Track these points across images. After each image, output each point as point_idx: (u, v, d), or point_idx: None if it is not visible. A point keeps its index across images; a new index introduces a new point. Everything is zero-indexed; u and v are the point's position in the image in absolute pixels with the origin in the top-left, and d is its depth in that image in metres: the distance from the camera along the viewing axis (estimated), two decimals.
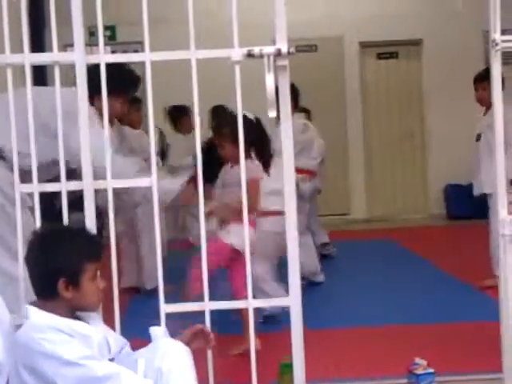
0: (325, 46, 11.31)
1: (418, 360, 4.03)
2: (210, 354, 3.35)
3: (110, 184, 3.40)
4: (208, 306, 3.40)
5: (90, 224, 3.32)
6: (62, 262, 2.83)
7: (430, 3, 10.99)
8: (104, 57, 3.39)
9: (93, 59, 3.40)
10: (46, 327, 2.74)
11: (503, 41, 3.49)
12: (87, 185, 3.35)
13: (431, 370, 3.97)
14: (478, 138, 6.30)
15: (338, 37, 11.24)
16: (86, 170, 3.34)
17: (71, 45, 3.32)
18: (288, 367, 3.56)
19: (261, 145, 4.78)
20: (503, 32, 3.52)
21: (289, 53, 3.32)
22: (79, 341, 2.75)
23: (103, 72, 3.37)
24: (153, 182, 3.42)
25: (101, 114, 3.53)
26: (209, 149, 5.29)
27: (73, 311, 2.86)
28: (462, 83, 10.50)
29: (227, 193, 4.64)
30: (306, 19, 10.43)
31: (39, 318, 2.79)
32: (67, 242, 2.89)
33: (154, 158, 3.47)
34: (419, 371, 3.96)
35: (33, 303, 2.89)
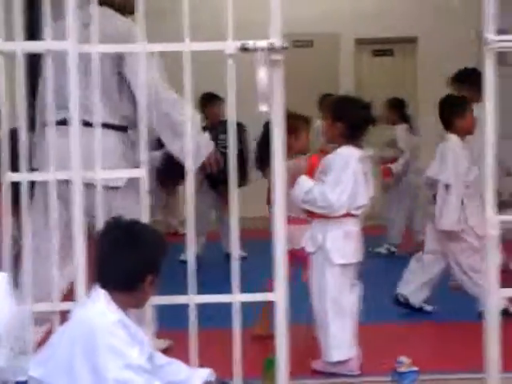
0: (321, 42, 11.29)
1: (401, 358, 4.04)
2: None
3: (99, 175, 3.40)
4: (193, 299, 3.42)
5: (79, 217, 3.31)
6: (155, 259, 2.90)
7: (426, 1, 10.98)
8: (97, 46, 3.38)
9: (86, 48, 3.39)
10: (117, 321, 2.78)
11: (497, 40, 3.46)
12: (75, 175, 3.33)
13: (415, 369, 3.98)
14: None
15: (335, 33, 11.22)
16: (75, 161, 3.33)
17: None
18: (272, 363, 3.56)
19: None
20: (499, 32, 3.49)
21: (283, 47, 3.31)
22: (139, 347, 2.80)
23: (96, 62, 3.36)
24: (143, 173, 3.42)
25: None
26: None
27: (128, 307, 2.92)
28: None
29: None
30: (302, 15, 10.41)
31: (111, 309, 2.81)
32: (157, 238, 2.96)
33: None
34: (403, 369, 3.97)
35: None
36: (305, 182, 4.41)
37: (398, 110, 8.50)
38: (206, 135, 4.07)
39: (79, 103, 3.35)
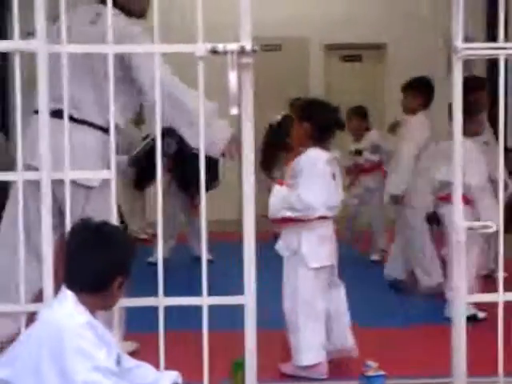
0: (289, 47, 11.32)
1: (369, 362, 4.06)
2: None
3: (68, 175, 3.37)
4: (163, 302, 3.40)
5: (47, 217, 3.28)
6: (124, 261, 2.89)
7: (395, 8, 11.05)
8: (66, 47, 3.36)
9: (55, 48, 3.36)
10: (85, 323, 2.76)
11: (465, 48, 3.50)
12: (45, 176, 3.30)
13: (382, 373, 4.00)
14: None
15: (304, 38, 11.26)
16: (45, 162, 3.30)
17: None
18: (240, 366, 3.56)
19: None
20: (465, 40, 3.53)
21: (253, 51, 3.31)
22: (107, 350, 2.79)
23: (65, 62, 3.34)
24: (112, 176, 3.39)
25: None
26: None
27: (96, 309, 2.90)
28: None
29: None
30: (271, 19, 10.43)
31: (79, 310, 2.79)
32: (127, 240, 2.97)
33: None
34: (370, 373, 3.98)
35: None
36: (278, 190, 4.44)
37: (364, 118, 8.47)
38: (222, 122, 3.96)
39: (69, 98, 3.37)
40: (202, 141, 3.41)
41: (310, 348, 4.36)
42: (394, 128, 7.64)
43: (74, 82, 3.66)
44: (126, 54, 3.85)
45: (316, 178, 4.38)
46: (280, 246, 4.50)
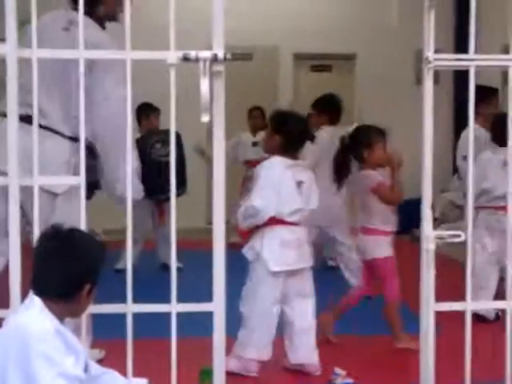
0: (259, 55, 11.32)
1: (337, 370, 4.07)
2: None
3: (36, 181, 3.33)
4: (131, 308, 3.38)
5: (15, 222, 3.25)
6: (93, 267, 2.85)
7: (365, 19, 11.12)
8: (36, 51, 3.33)
9: (25, 53, 3.33)
10: (52, 329, 2.72)
11: (436, 59, 3.55)
12: (13, 182, 3.27)
13: (350, 381, 4.02)
14: None
15: (273, 46, 11.28)
16: (12, 167, 3.26)
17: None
18: (208, 374, 3.54)
19: None
20: (435, 51, 3.58)
21: (225, 59, 3.32)
22: (74, 357, 2.75)
23: (35, 67, 3.30)
24: (81, 181, 3.36)
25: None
26: None
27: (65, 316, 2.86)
28: (392, 100, 10.73)
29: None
30: (241, 27, 10.44)
31: (46, 317, 2.75)
32: (96, 247, 2.91)
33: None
34: (338, 381, 4.00)
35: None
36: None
37: None
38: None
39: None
40: (173, 148, 3.40)
41: (258, 345, 4.44)
42: None
43: (42, 88, 3.62)
44: (92, 62, 3.82)
45: (269, 183, 4.45)
46: (245, 250, 4.56)
